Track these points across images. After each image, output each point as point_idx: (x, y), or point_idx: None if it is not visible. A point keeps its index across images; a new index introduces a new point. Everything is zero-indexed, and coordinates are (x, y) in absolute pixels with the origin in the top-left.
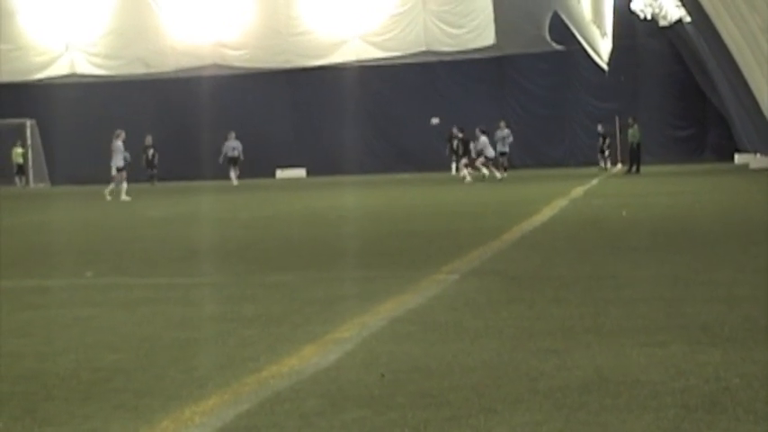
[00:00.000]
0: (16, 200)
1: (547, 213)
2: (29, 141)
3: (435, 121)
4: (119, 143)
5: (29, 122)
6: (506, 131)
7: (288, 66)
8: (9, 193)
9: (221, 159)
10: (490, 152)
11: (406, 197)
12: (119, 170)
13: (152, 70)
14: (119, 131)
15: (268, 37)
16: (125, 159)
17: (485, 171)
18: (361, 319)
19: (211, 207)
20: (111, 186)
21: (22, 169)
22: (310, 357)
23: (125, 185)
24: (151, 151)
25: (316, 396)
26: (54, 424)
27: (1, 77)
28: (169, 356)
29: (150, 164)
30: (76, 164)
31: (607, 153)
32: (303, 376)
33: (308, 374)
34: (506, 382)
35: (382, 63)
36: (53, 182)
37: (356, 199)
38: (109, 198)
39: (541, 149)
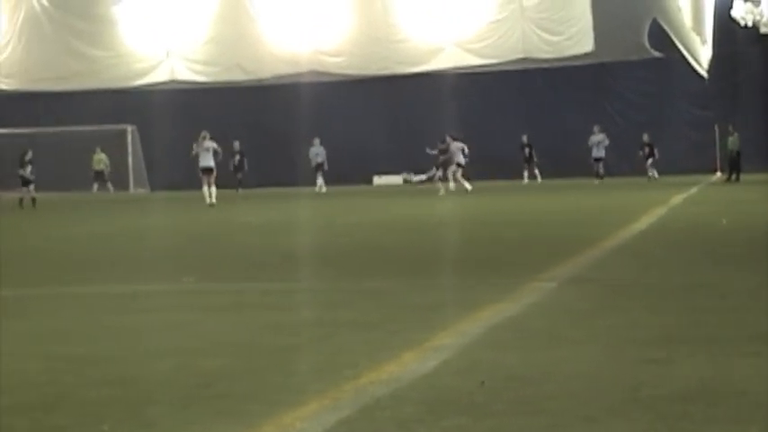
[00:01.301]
0: (116, 205)
1: (645, 221)
2: (129, 148)
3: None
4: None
5: (129, 128)
6: (600, 136)
7: (385, 73)
8: (108, 199)
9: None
10: (461, 159)
11: (501, 204)
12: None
13: (250, 77)
14: (204, 133)
15: (366, 44)
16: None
17: (456, 183)
18: (459, 326)
19: (307, 213)
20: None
21: (101, 176)
22: (409, 364)
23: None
24: (238, 157)
25: (415, 403)
26: (157, 428)
27: (102, 84)
28: (268, 362)
29: (237, 169)
30: (175, 169)
31: (650, 162)
32: (402, 383)
33: (406, 381)
34: (606, 390)
35: (479, 70)
36: (152, 187)
37: (452, 206)
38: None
39: (639, 157)
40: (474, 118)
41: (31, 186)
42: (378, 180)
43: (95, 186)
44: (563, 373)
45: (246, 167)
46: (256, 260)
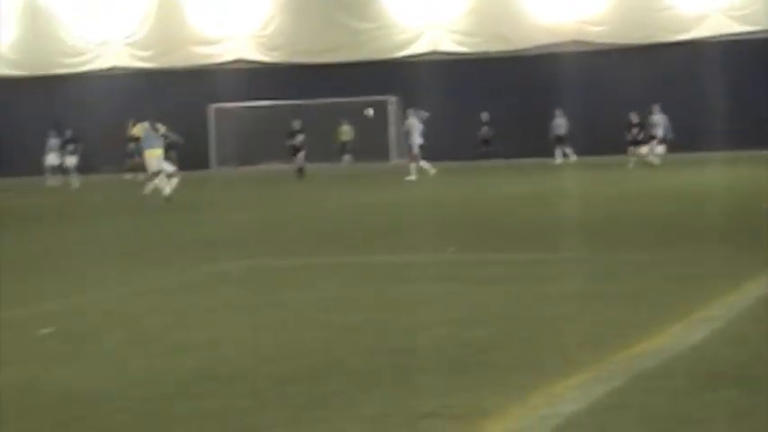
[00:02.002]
0: (377, 176)
1: None
2: (391, 118)
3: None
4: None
5: (391, 99)
6: None
7: (648, 41)
8: (359, 171)
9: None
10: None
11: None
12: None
13: (512, 47)
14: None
15: (629, 12)
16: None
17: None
18: (728, 297)
19: (566, 184)
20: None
21: (345, 147)
22: (677, 335)
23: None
24: (485, 128)
25: (685, 374)
26: (426, 396)
27: (366, 56)
28: (536, 332)
29: (484, 142)
30: (436, 140)
31: None
32: (671, 354)
33: (676, 352)
34: None
35: (737, 38)
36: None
37: (716, 175)
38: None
39: None
40: (735, 86)
41: (301, 154)
42: (636, 150)
43: (346, 158)
44: None
45: (493, 139)
46: (518, 231)
